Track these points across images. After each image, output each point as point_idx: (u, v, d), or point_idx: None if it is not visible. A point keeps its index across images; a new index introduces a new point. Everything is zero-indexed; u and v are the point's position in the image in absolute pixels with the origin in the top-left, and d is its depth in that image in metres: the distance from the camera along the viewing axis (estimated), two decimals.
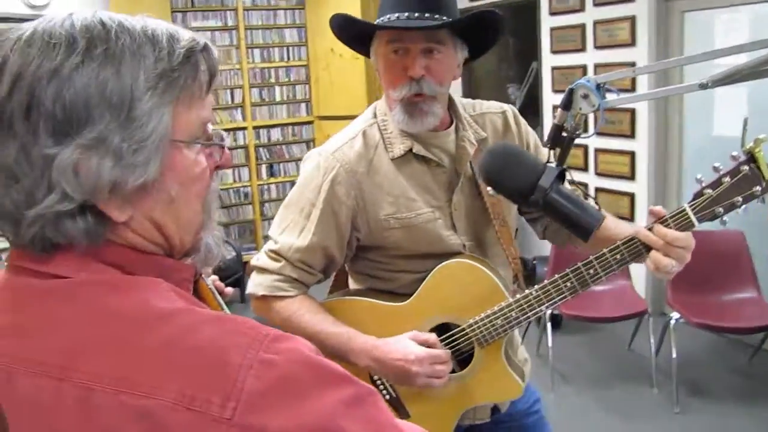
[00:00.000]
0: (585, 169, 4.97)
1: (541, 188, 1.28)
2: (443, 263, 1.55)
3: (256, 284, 1.58)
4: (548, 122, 5.36)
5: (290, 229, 1.56)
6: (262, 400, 0.62)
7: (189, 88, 0.73)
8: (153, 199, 0.73)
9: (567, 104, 1.29)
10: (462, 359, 1.59)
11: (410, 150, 1.54)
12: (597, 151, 4.86)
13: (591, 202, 1.38)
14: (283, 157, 6.56)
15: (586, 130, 1.33)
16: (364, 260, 1.63)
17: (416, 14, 1.44)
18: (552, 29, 5.15)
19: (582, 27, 4.86)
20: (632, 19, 4.46)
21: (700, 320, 3.55)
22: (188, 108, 0.74)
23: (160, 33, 0.72)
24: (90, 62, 0.66)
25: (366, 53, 1.59)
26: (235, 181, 6.42)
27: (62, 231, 0.69)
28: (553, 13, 5.13)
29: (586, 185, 4.98)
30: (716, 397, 3.71)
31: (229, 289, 1.13)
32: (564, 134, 1.31)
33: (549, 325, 4.03)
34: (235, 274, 5.24)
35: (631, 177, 4.65)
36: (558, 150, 1.32)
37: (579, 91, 1.28)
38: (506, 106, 1.71)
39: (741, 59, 1.20)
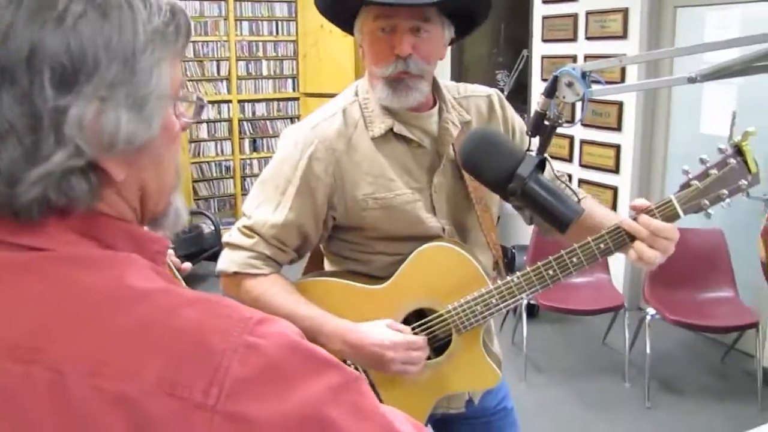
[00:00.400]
0: (569, 160, 4.95)
1: (519, 177, 1.24)
2: (423, 246, 1.51)
3: (228, 261, 1.53)
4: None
5: (265, 205, 1.51)
6: (247, 387, 0.59)
7: (175, 46, 0.71)
8: (147, 158, 0.70)
9: (550, 91, 1.26)
10: (439, 346, 1.56)
11: (391, 129, 1.51)
12: (582, 142, 4.83)
13: (571, 193, 1.34)
14: (267, 132, 6.50)
15: (570, 120, 1.29)
16: (340, 241, 1.59)
17: None
18: (544, 18, 5.11)
19: (574, 17, 4.82)
20: (625, 12, 4.42)
21: (675, 317, 3.54)
22: (174, 66, 0.72)
23: None
24: (92, 11, 0.62)
25: (351, 30, 1.54)
26: (217, 154, 6.35)
27: (67, 191, 0.64)
28: (546, 2, 5.08)
29: (570, 176, 4.96)
30: (687, 394, 3.73)
31: (187, 265, 1.10)
32: (546, 122, 1.27)
33: (524, 314, 4.02)
34: (213, 247, 5.18)
35: (616, 170, 4.64)
36: (539, 138, 1.28)
37: (563, 79, 1.24)
38: (491, 90, 1.67)
39: (732, 54, 1.16)
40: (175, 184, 0.79)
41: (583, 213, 1.31)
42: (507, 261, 4.87)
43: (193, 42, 6.09)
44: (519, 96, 5.74)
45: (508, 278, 1.47)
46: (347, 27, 1.54)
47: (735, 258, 3.79)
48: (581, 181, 4.89)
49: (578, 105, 1.28)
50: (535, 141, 1.33)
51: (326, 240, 1.61)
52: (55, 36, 0.60)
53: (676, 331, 3.87)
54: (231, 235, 1.56)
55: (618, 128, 4.56)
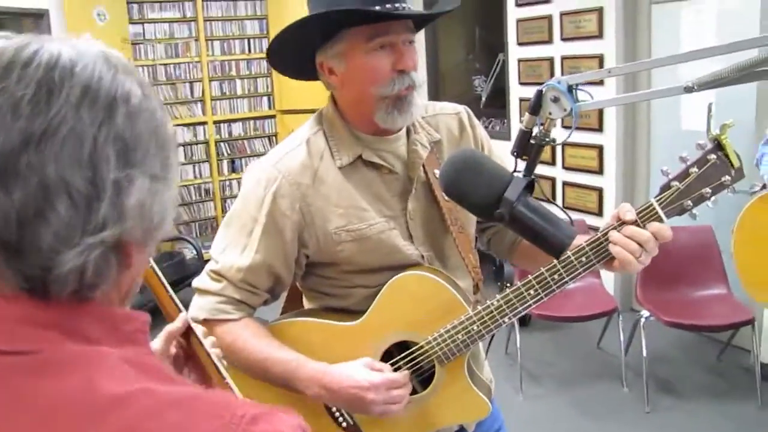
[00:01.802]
0: (552, 163, 4.90)
1: (507, 201, 1.17)
2: (395, 277, 1.44)
3: (197, 308, 1.45)
4: (515, 116, 5.28)
5: (232, 247, 1.44)
6: None
7: None
8: (150, 248, 0.69)
9: (535, 108, 1.18)
10: (423, 378, 1.48)
11: (359, 157, 1.43)
12: (564, 145, 4.78)
13: (562, 214, 1.26)
14: (245, 152, 6.41)
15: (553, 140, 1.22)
16: (315, 276, 1.51)
17: (396, 5, 1.34)
18: (518, 21, 5.06)
19: (548, 18, 4.78)
20: (599, 11, 4.38)
21: (671, 319, 3.49)
22: None
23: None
24: (148, 98, 0.65)
25: (305, 76, 1.49)
26: (195, 177, 6.25)
27: (103, 273, 0.61)
28: (519, 5, 5.04)
29: (553, 180, 4.91)
30: (686, 395, 3.66)
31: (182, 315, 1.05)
32: (532, 141, 1.19)
33: (517, 323, 3.95)
34: (196, 273, 5.06)
35: (599, 171, 4.59)
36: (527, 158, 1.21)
37: (548, 94, 1.17)
38: (460, 107, 1.60)
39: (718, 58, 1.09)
40: None
41: (575, 237, 1.23)
42: (495, 269, 4.81)
43: (165, 65, 6.00)
44: (497, 101, 5.70)
45: (488, 302, 1.40)
46: (305, 70, 1.48)
47: (726, 254, 3.73)
48: (565, 184, 4.84)
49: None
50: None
51: (301, 277, 1.53)
52: (122, 110, 0.61)
53: (671, 331, 3.80)
54: (200, 279, 1.48)
55: (599, 129, 4.52)
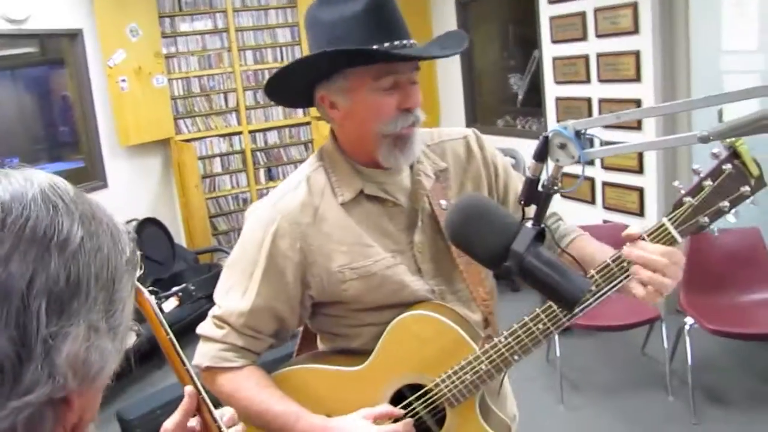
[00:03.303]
0: (591, 162, 4.77)
1: (515, 254, 1.10)
2: (397, 318, 1.40)
3: (200, 354, 1.43)
4: (551, 115, 5.15)
5: (233, 292, 1.41)
6: None
7: (134, 276, 0.68)
8: (98, 389, 0.64)
9: (541, 155, 1.11)
10: (441, 417, 1.43)
11: (361, 192, 1.40)
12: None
13: (575, 266, 1.20)
14: (281, 159, 6.41)
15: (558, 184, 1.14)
16: (323, 316, 1.48)
17: (404, 42, 1.33)
18: (551, 18, 4.94)
19: (582, 15, 4.65)
20: (634, 5, 4.24)
21: (715, 327, 3.34)
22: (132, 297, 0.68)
23: (103, 210, 0.66)
24: (87, 240, 0.60)
25: (301, 105, 1.46)
26: (233, 187, 6.29)
27: (36, 426, 0.57)
28: (552, 2, 4.91)
29: (593, 180, 4.78)
30: (736, 404, 3.52)
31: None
32: (540, 189, 1.13)
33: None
34: None
35: (640, 170, 4.45)
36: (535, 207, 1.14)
37: (555, 140, 1.10)
38: (468, 131, 1.56)
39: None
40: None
41: (590, 290, 1.16)
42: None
43: (199, 76, 6.04)
44: (534, 99, 5.58)
45: (496, 340, 1.35)
46: (299, 101, 1.47)
47: None
48: (605, 184, 4.70)
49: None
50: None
51: (310, 318, 1.50)
52: (59, 257, 0.57)
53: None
54: (203, 326, 1.46)
55: (638, 127, 4.37)
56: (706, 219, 1.14)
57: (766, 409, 3.43)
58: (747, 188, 1.11)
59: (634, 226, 1.23)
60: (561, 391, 3.74)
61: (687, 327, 3.54)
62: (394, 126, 1.34)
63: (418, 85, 1.38)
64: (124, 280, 0.63)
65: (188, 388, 1.03)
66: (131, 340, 0.72)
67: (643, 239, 1.19)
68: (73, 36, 5.28)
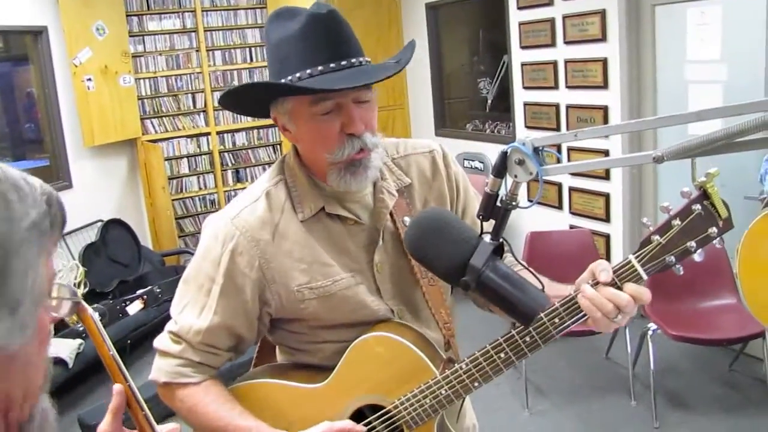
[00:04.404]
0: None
1: (473, 268, 1.10)
2: (358, 339, 1.37)
3: (157, 370, 1.40)
4: (520, 121, 5.19)
5: (190, 308, 1.38)
6: None
7: (50, 239, 0.65)
8: (16, 365, 0.62)
9: (500, 171, 1.11)
10: None
11: (322, 209, 1.37)
12: (570, 150, 4.68)
13: (533, 279, 1.19)
14: (250, 161, 6.37)
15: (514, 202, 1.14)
16: (282, 331, 1.46)
17: (342, 62, 1.25)
18: (521, 24, 4.97)
19: (551, 21, 4.69)
20: (602, 13, 4.29)
21: (678, 332, 3.40)
22: (49, 261, 0.65)
23: (13, 174, 0.62)
24: None
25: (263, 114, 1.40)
26: (200, 188, 6.23)
27: None
28: (521, 7, 4.94)
29: (559, 185, 4.82)
30: (696, 408, 3.58)
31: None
32: (499, 204, 1.13)
33: None
34: None
35: (606, 177, 4.50)
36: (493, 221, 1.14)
37: (513, 156, 1.10)
38: (434, 145, 1.51)
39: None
40: (43, 386, 0.68)
41: (548, 304, 1.16)
42: None
43: (166, 76, 5.97)
44: (503, 104, 5.61)
45: (456, 366, 1.32)
46: (259, 112, 1.41)
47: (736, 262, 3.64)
48: (572, 189, 4.75)
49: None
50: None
51: (270, 331, 1.47)
52: None
53: None
54: (160, 340, 1.42)
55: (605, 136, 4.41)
56: (673, 258, 1.14)
57: (726, 412, 3.49)
58: (714, 230, 1.10)
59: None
60: (526, 396, 3.77)
61: (650, 332, 3.59)
62: (341, 153, 1.29)
63: (369, 103, 1.31)
64: (23, 247, 0.59)
65: (116, 386, 1.00)
66: (65, 309, 0.71)
67: (612, 280, 1.17)
68: (38, 33, 5.19)
